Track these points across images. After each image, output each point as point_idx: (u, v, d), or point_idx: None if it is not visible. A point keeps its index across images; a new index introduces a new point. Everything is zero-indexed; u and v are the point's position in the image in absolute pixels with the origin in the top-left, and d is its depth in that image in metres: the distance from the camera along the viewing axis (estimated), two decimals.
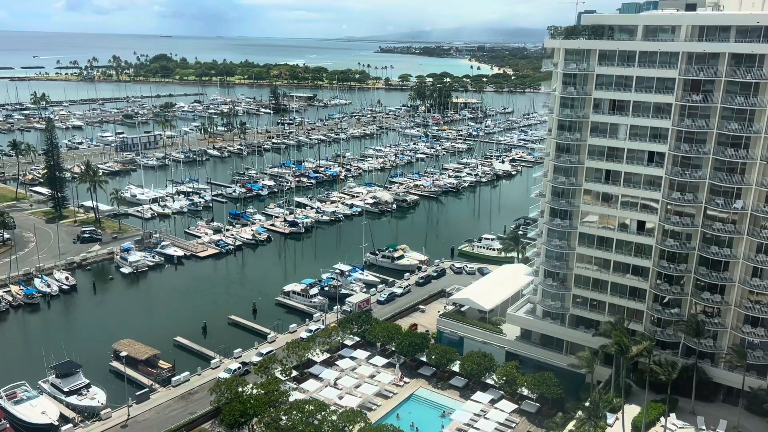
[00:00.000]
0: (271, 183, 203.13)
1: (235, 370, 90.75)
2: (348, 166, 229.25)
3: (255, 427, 74.59)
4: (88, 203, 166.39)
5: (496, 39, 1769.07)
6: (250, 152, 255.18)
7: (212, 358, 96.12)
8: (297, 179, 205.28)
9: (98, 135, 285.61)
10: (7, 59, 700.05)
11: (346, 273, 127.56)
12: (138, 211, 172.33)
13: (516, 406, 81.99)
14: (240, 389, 77.16)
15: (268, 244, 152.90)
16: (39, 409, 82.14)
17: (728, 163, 73.83)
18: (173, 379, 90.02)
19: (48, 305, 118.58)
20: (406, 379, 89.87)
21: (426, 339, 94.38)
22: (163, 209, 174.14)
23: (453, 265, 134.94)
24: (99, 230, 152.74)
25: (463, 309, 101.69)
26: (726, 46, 72.09)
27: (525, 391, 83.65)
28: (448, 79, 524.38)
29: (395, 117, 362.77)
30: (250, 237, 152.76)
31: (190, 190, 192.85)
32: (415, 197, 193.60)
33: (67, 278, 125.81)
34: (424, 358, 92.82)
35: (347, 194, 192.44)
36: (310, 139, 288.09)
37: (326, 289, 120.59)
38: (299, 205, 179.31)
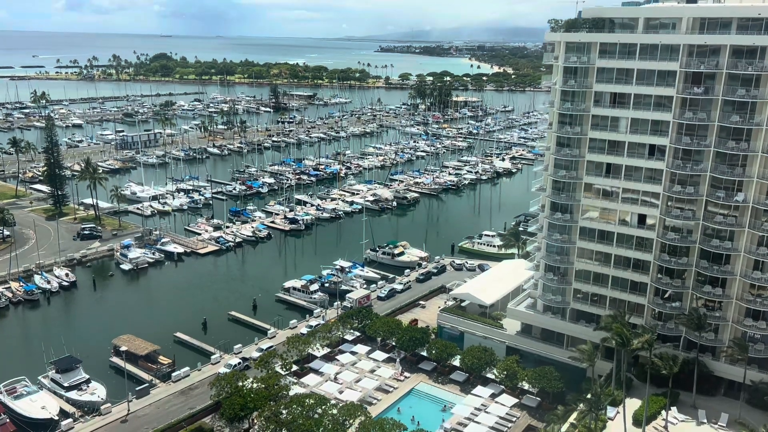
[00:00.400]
0: (272, 181, 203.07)
1: (235, 365, 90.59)
2: (348, 164, 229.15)
3: (255, 421, 74.44)
4: (88, 201, 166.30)
5: (496, 38, 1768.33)
6: (250, 150, 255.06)
7: (212, 353, 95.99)
8: (297, 177, 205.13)
9: (98, 133, 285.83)
10: (7, 59, 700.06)
11: (347, 269, 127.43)
12: (138, 208, 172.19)
13: (517, 401, 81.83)
14: (240, 383, 77.01)
15: (269, 241, 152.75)
16: (39, 404, 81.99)
17: (729, 155, 73.65)
18: (173, 374, 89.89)
19: (48, 302, 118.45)
20: (406, 374, 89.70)
21: (426, 334, 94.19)
22: (163, 207, 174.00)
23: (453, 261, 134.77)
24: (99, 227, 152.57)
25: (463, 304, 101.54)
26: (727, 38, 71.87)
27: (526, 386, 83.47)
28: (448, 78, 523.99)
29: (395, 115, 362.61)
30: (251, 234, 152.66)
31: (190, 187, 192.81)
32: (416, 195, 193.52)
33: (67, 275, 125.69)
34: (424, 353, 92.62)
35: (347, 192, 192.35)
36: (310, 137, 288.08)
37: (326, 285, 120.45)
38: (299, 202, 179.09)
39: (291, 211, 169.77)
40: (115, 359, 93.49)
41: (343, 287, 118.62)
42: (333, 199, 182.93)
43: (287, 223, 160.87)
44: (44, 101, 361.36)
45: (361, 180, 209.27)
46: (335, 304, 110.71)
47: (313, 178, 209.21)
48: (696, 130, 75.22)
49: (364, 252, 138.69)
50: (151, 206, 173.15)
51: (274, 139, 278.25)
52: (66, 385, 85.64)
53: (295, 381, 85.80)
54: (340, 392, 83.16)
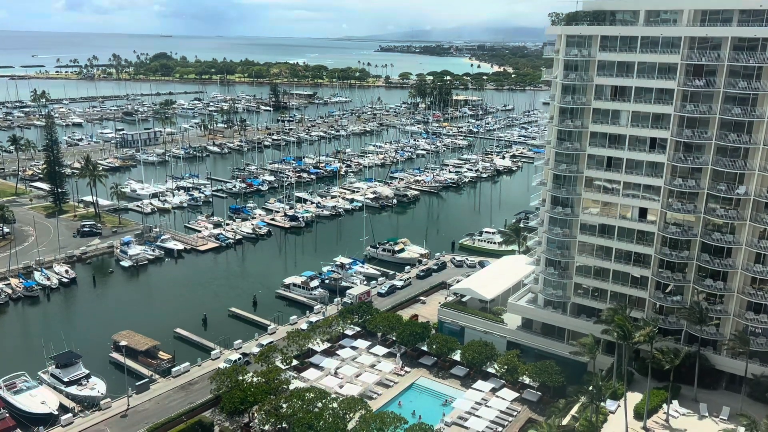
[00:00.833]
0: (271, 178, 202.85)
1: (235, 360, 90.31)
2: (348, 162, 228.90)
3: (255, 415, 74.20)
4: (88, 198, 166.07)
5: (496, 38, 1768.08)
6: (250, 149, 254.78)
7: (212, 349, 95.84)
8: (297, 175, 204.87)
9: (98, 132, 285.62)
10: (7, 58, 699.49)
11: (347, 266, 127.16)
12: (138, 205, 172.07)
13: (517, 395, 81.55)
14: (240, 377, 76.81)
15: (269, 238, 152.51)
16: (39, 398, 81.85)
17: (731, 148, 73.42)
18: (173, 369, 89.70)
19: (48, 298, 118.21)
20: (407, 369, 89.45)
21: (427, 328, 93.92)
22: (163, 204, 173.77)
23: (454, 258, 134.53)
24: (99, 224, 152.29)
25: (464, 299, 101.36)
26: (729, 30, 71.67)
27: (526, 380, 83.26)
28: (448, 77, 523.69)
29: (395, 114, 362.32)
30: (251, 231, 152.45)
31: (190, 185, 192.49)
32: (416, 192, 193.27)
33: (66, 271, 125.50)
34: (425, 348, 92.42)
35: (347, 189, 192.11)
36: (310, 135, 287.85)
37: (327, 281, 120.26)
38: (299, 200, 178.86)
39: (291, 208, 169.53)
40: (115, 355, 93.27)
41: (344, 284, 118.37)
42: (333, 197, 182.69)
43: (287, 221, 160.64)
44: (44, 100, 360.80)
45: (362, 178, 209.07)
46: (335, 300, 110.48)
47: (313, 176, 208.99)
48: (697, 123, 74.98)
49: (364, 249, 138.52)
50: (151, 204, 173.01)
51: (274, 137, 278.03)
52: (66, 380, 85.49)
53: (296, 375, 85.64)
54: (341, 386, 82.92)
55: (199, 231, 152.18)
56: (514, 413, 78.69)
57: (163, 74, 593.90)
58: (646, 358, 75.84)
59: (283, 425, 72.15)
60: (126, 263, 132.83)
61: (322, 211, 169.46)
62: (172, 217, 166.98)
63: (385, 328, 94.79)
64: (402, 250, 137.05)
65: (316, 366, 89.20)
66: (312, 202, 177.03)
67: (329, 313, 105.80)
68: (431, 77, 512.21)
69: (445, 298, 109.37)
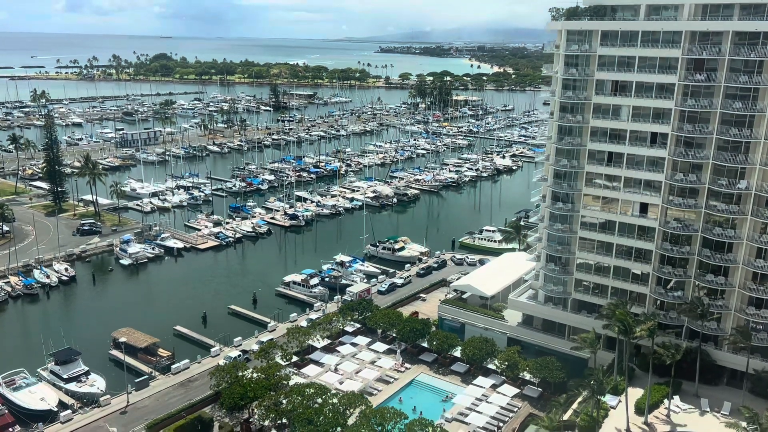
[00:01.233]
0: (271, 178, 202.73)
1: (235, 358, 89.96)
2: (348, 161, 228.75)
3: (255, 410, 73.93)
4: (88, 197, 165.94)
5: (496, 39, 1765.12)
6: (250, 148, 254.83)
7: (212, 346, 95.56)
8: (297, 174, 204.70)
9: (98, 131, 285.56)
10: (7, 59, 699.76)
11: (347, 264, 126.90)
12: (138, 204, 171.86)
13: (518, 391, 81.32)
14: (240, 373, 76.56)
15: (269, 236, 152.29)
16: (38, 395, 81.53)
17: (732, 142, 73.20)
18: (173, 366, 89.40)
19: (47, 296, 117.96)
20: (407, 365, 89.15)
21: (427, 325, 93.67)
22: (163, 203, 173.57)
23: (454, 256, 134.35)
24: (99, 223, 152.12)
25: (464, 296, 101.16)
26: (729, 24, 71.48)
27: (527, 376, 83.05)
28: (448, 78, 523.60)
29: (395, 114, 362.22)
30: (251, 229, 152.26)
31: (190, 184, 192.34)
32: (416, 191, 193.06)
33: (66, 269, 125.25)
34: (425, 344, 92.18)
35: (347, 188, 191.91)
36: (310, 135, 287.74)
37: (327, 279, 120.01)
38: (299, 199, 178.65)
39: (291, 207, 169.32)
40: (115, 352, 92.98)
41: (344, 281, 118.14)
42: (333, 196, 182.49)
43: (287, 219, 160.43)
44: (44, 100, 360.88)
45: (362, 177, 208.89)
46: (335, 298, 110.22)
47: (313, 176, 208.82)
48: (698, 118, 74.78)
49: (364, 247, 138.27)
50: (150, 203, 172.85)
51: (274, 137, 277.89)
52: (65, 376, 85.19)
53: (296, 372, 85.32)
54: (341, 383, 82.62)
55: (199, 230, 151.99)
56: (515, 409, 78.39)
57: (163, 75, 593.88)
58: (647, 353, 75.57)
59: (283, 421, 71.96)
60: (126, 261, 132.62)
61: (322, 209, 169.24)
62: (172, 215, 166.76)
63: (386, 325, 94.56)
64: (402, 249, 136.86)
65: (316, 362, 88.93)
66: (312, 201, 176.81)
67: (329, 311, 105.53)
68: (431, 78, 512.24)
69: (446, 295, 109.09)
